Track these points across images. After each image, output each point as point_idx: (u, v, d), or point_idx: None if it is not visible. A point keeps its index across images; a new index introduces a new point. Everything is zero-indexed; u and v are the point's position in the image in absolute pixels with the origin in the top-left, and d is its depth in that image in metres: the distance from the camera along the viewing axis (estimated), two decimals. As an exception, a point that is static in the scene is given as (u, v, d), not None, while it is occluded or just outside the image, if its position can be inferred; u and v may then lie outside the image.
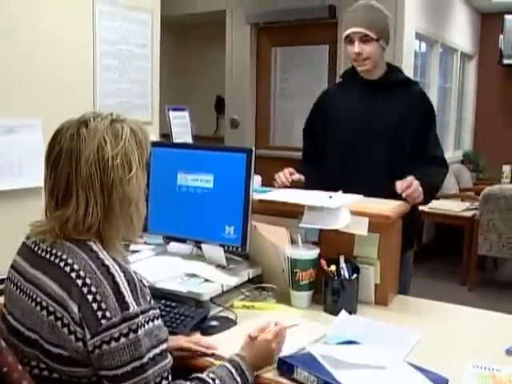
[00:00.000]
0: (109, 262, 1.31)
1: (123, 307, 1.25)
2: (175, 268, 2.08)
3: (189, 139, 2.83)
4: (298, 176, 2.50)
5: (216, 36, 7.06)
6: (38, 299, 1.32)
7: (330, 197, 2.12)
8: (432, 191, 2.40)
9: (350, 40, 2.45)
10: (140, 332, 1.26)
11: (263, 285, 2.14)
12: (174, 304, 1.87)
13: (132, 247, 2.26)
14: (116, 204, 1.35)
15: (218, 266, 2.10)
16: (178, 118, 2.79)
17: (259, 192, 2.26)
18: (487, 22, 8.15)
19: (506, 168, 7.04)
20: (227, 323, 1.85)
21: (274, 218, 2.17)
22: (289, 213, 2.15)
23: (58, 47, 2.50)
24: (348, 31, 2.44)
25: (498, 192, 5.26)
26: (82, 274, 1.28)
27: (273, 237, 2.10)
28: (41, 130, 2.39)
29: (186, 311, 1.83)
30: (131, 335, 1.25)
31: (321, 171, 2.58)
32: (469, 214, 5.67)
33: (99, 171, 1.32)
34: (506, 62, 7.66)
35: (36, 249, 1.40)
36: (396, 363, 1.59)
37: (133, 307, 1.26)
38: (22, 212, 2.35)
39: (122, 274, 1.30)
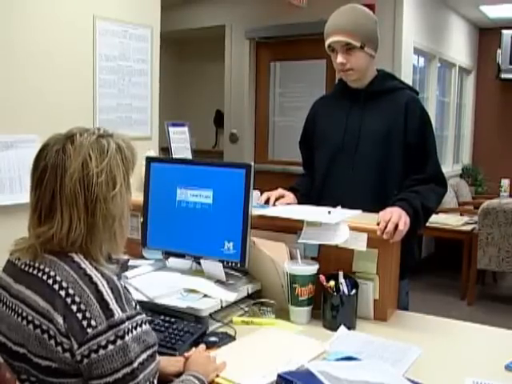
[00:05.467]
0: (91, 271, 1.31)
1: (108, 315, 1.26)
2: (174, 283, 2.07)
3: (188, 155, 2.84)
4: (285, 200, 2.38)
5: (215, 51, 7.10)
6: (24, 314, 1.32)
7: (329, 212, 2.12)
8: (424, 217, 2.20)
9: (332, 49, 2.31)
10: (127, 338, 1.27)
11: (262, 300, 2.13)
12: (172, 320, 1.87)
13: (131, 262, 2.26)
14: (99, 220, 1.35)
15: (217, 281, 2.10)
16: (178, 134, 2.80)
17: (258, 208, 2.26)
18: (485, 37, 8.20)
19: (504, 182, 7.04)
20: (226, 339, 1.84)
21: (273, 234, 2.17)
22: (288, 228, 2.15)
23: (57, 63, 2.51)
24: (329, 40, 2.28)
25: (496, 206, 5.27)
26: (64, 284, 1.28)
27: (272, 252, 2.10)
28: (40, 144, 2.39)
29: (185, 327, 1.82)
30: (119, 342, 1.25)
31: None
32: (468, 228, 5.68)
33: (83, 188, 1.32)
34: (503, 76, 7.70)
35: (19, 264, 1.40)
36: (395, 379, 1.58)
37: (118, 314, 1.27)
38: (22, 227, 2.36)
39: (104, 282, 1.30)
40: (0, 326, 1.40)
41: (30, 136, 2.36)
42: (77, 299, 1.26)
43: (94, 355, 1.24)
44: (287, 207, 2.31)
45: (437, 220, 5.58)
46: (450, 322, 2.16)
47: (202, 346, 1.72)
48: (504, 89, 7.97)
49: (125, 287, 1.35)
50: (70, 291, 1.27)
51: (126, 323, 1.27)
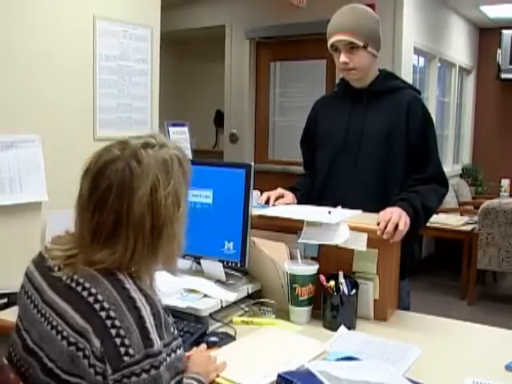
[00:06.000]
0: (135, 294, 1.25)
1: (147, 344, 1.21)
2: (174, 283, 2.07)
3: (188, 154, 2.83)
4: (284, 200, 2.38)
5: (215, 51, 7.10)
6: (59, 328, 1.27)
7: (329, 212, 2.12)
8: (424, 217, 2.19)
9: (335, 49, 2.31)
10: (161, 368, 1.23)
11: (262, 300, 2.13)
12: (173, 319, 1.86)
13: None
14: (164, 242, 1.31)
15: (218, 281, 2.09)
16: (178, 134, 2.81)
17: (258, 208, 2.26)
18: (485, 37, 8.20)
19: (504, 182, 7.05)
20: (226, 339, 1.84)
21: (273, 234, 2.17)
22: (288, 228, 2.15)
23: (58, 62, 2.51)
24: (332, 40, 2.28)
25: (496, 206, 5.27)
26: (106, 305, 1.22)
27: (272, 252, 2.10)
28: (40, 145, 2.39)
29: (185, 327, 1.82)
30: (152, 371, 1.21)
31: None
32: (468, 228, 5.68)
33: (151, 211, 1.27)
34: (503, 76, 7.70)
35: (55, 269, 1.34)
36: (395, 379, 1.58)
37: (156, 344, 1.22)
38: (22, 226, 2.36)
39: (148, 308, 1.24)
40: (30, 329, 1.36)
41: (30, 136, 2.36)
42: (117, 323, 1.20)
43: (126, 380, 1.19)
44: (287, 207, 2.31)
45: (437, 220, 5.58)
46: (450, 322, 2.16)
47: (204, 346, 1.71)
48: (504, 89, 7.97)
49: (165, 310, 1.31)
50: (112, 314, 1.21)
51: (163, 354, 1.24)
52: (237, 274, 2.15)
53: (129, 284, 1.27)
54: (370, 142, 2.32)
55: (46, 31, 2.45)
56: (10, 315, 2.15)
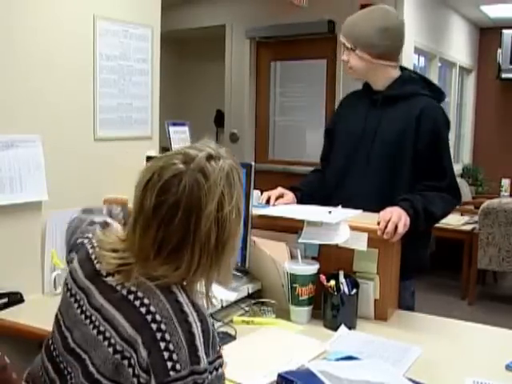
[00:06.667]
0: (188, 308, 1.23)
1: (194, 361, 1.18)
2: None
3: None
4: (283, 200, 2.37)
5: (215, 50, 7.10)
6: (107, 334, 1.25)
7: (330, 212, 2.12)
8: (425, 221, 2.14)
9: None
10: None
11: (263, 300, 2.13)
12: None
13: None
14: (226, 256, 1.30)
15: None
16: (178, 133, 2.80)
17: (259, 207, 2.26)
18: (485, 37, 8.20)
19: (505, 182, 7.04)
20: (227, 338, 1.84)
21: (274, 234, 2.17)
22: (288, 228, 2.15)
23: (58, 62, 2.51)
24: None
25: (497, 206, 5.27)
26: (158, 318, 1.20)
27: (272, 252, 2.10)
28: (40, 145, 2.39)
29: (186, 327, 1.82)
30: None
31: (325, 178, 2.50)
32: (468, 227, 5.67)
33: (217, 227, 1.25)
34: (504, 76, 7.69)
35: (104, 274, 1.32)
36: (396, 379, 1.58)
37: (203, 362, 1.19)
38: (22, 226, 2.36)
39: (199, 324, 1.22)
40: (73, 329, 1.34)
41: (30, 136, 2.36)
42: (167, 337, 1.19)
43: None
44: (288, 207, 2.31)
45: (437, 220, 5.57)
46: (451, 321, 2.16)
47: None
48: (504, 88, 7.97)
49: (213, 324, 1.28)
50: (163, 327, 1.19)
51: (208, 372, 1.21)
52: (237, 273, 2.15)
53: (182, 297, 1.25)
54: (380, 147, 2.30)
55: (46, 31, 2.45)
56: (10, 315, 2.15)
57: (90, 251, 1.39)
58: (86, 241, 1.44)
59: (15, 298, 2.27)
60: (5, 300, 2.22)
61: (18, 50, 2.35)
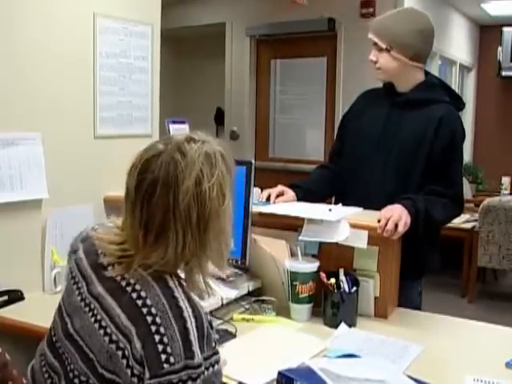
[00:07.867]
0: (183, 303, 1.25)
1: (188, 355, 1.19)
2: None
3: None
4: (284, 198, 2.36)
5: (215, 48, 7.09)
6: (103, 323, 1.27)
7: (330, 210, 2.12)
8: (424, 222, 2.10)
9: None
10: (198, 381, 1.21)
11: (263, 298, 2.13)
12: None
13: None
14: (211, 236, 1.31)
15: (218, 278, 2.09)
16: (178, 131, 2.80)
17: (259, 205, 2.26)
18: (486, 35, 8.19)
19: (505, 180, 7.04)
20: (227, 336, 1.84)
21: (274, 231, 2.17)
22: (289, 226, 2.15)
23: (57, 60, 2.51)
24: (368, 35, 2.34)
25: (497, 204, 5.27)
26: (153, 311, 1.22)
27: (272, 250, 2.10)
28: (41, 142, 2.39)
29: (186, 324, 1.82)
30: (189, 383, 1.20)
31: (332, 173, 2.50)
32: (468, 225, 5.67)
33: (197, 204, 1.27)
34: (504, 74, 7.69)
35: (105, 263, 1.34)
36: (396, 376, 1.58)
37: (197, 357, 1.20)
38: (22, 224, 2.36)
39: (193, 320, 1.23)
40: (73, 315, 1.36)
41: (30, 134, 2.36)
42: (162, 330, 1.20)
43: None
44: (288, 204, 2.31)
45: (437, 218, 5.58)
46: (451, 319, 2.16)
47: None
48: (505, 86, 7.96)
49: (209, 322, 1.29)
50: (158, 320, 1.21)
51: (202, 367, 1.22)
52: (237, 271, 2.15)
53: (178, 293, 1.27)
54: (399, 152, 2.28)
55: (46, 29, 2.45)
56: (11, 313, 2.16)
57: (96, 243, 1.41)
58: (91, 233, 1.45)
59: (15, 296, 2.27)
60: (5, 298, 2.22)
61: (18, 48, 2.34)
